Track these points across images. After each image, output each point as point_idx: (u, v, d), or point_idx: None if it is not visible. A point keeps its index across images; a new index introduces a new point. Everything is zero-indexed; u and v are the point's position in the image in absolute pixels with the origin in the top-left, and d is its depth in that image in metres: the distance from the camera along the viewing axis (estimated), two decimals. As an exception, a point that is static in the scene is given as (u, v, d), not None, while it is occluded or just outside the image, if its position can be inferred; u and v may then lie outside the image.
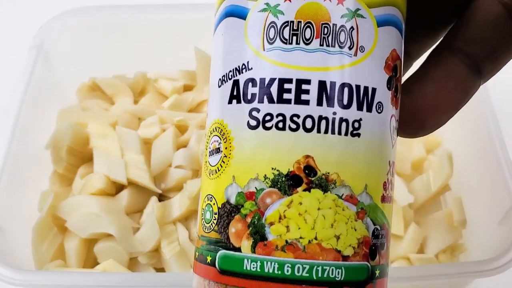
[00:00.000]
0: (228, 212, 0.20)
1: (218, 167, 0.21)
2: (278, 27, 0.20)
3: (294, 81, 0.20)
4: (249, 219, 0.20)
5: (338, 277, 0.20)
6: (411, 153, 0.52)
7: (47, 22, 0.54)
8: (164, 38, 0.57)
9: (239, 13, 0.21)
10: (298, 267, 0.19)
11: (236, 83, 0.21)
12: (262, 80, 0.20)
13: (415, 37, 0.24)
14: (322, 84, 0.20)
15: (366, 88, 0.20)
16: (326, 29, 0.20)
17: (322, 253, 0.20)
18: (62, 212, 0.45)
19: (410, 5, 0.22)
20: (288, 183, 0.20)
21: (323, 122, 0.20)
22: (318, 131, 0.20)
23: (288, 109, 0.20)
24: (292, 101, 0.20)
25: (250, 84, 0.20)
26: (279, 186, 0.20)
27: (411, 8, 0.23)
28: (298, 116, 0.20)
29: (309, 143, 0.20)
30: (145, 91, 0.57)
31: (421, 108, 0.22)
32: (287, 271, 0.19)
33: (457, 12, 0.23)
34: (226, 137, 0.21)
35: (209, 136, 0.22)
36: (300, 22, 0.20)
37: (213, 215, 0.21)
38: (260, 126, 0.20)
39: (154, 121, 0.51)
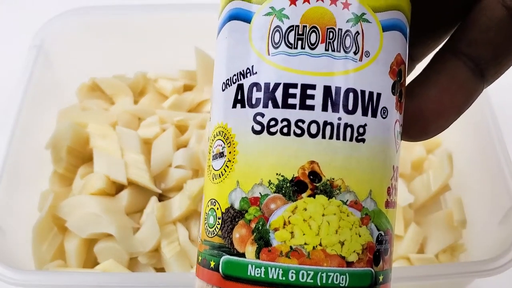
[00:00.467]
0: (232, 217, 0.20)
1: (222, 172, 0.21)
2: (283, 32, 0.20)
3: (299, 86, 0.20)
4: (253, 225, 0.20)
5: (342, 284, 0.20)
6: (411, 153, 0.52)
7: (47, 22, 0.54)
8: (164, 38, 0.57)
9: (243, 17, 0.21)
10: (303, 273, 0.19)
11: (240, 87, 0.21)
12: (267, 84, 0.20)
13: (418, 39, 0.24)
14: (327, 89, 0.20)
15: (371, 93, 0.20)
16: (331, 33, 0.20)
17: (327, 259, 0.19)
18: (62, 212, 0.45)
19: (414, 8, 0.22)
20: (292, 188, 0.20)
21: (328, 128, 0.20)
22: (323, 136, 0.20)
23: (293, 114, 0.20)
24: (297, 106, 0.20)
25: (254, 88, 0.20)
26: (283, 191, 0.20)
27: (415, 11, 0.22)
28: (303, 122, 0.20)
29: (314, 149, 0.20)
30: (145, 91, 0.57)
31: (424, 112, 0.22)
32: (292, 277, 0.19)
33: (460, 15, 0.23)
34: (230, 142, 0.21)
35: (213, 140, 0.22)
36: (306, 26, 0.20)
37: (217, 219, 0.21)
38: (265, 131, 0.20)
39: (154, 121, 0.51)
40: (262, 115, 0.20)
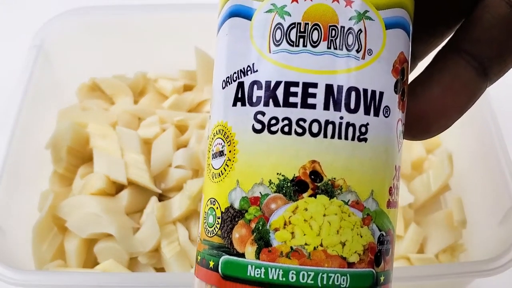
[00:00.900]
0: (231, 217, 0.20)
1: (221, 171, 0.21)
2: (285, 29, 0.20)
3: (300, 85, 0.19)
4: (253, 225, 0.20)
5: (343, 284, 0.19)
6: (411, 153, 0.52)
7: (47, 22, 0.54)
8: (164, 38, 0.57)
9: (244, 13, 0.21)
10: (303, 274, 0.19)
11: (240, 85, 0.20)
12: (268, 83, 0.20)
13: (420, 37, 0.24)
14: (329, 88, 0.19)
15: (373, 92, 0.20)
16: (333, 31, 0.20)
17: (328, 260, 0.19)
18: (62, 212, 0.45)
19: (417, 5, 0.22)
20: (293, 188, 0.19)
21: (330, 127, 0.19)
22: (325, 135, 0.19)
23: (294, 113, 0.20)
24: (298, 105, 0.19)
25: (255, 86, 0.20)
26: (284, 191, 0.19)
27: (417, 8, 0.22)
28: (304, 120, 0.19)
29: (315, 148, 0.19)
30: (145, 91, 0.57)
31: (427, 111, 0.22)
32: (292, 278, 0.19)
33: (464, 12, 0.22)
34: (230, 140, 0.21)
35: (212, 139, 0.22)
36: (307, 24, 0.20)
37: (216, 219, 0.21)
38: (265, 130, 0.20)
39: (154, 121, 0.51)
40: (263, 113, 0.20)
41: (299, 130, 0.19)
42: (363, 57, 0.20)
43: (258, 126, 0.20)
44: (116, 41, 0.57)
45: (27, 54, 0.52)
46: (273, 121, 0.20)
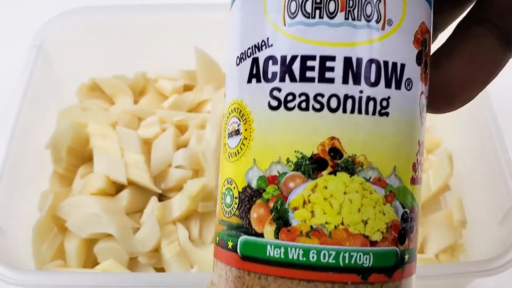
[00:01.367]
0: (249, 196, 0.20)
1: (238, 150, 0.20)
2: (300, 0, 0.19)
3: (317, 58, 0.19)
4: (271, 204, 0.19)
5: (366, 263, 0.19)
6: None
7: (47, 22, 0.54)
8: (164, 38, 0.57)
9: None
10: (324, 254, 0.18)
11: (255, 61, 0.20)
12: (283, 57, 0.19)
13: (441, 8, 0.23)
14: (347, 61, 0.19)
15: (394, 64, 0.19)
16: (351, 1, 0.19)
17: (349, 239, 0.19)
18: (62, 212, 0.45)
19: None
20: (312, 166, 0.19)
21: (349, 101, 0.19)
22: (344, 111, 0.19)
23: (312, 88, 0.19)
24: (316, 80, 0.19)
25: (270, 62, 0.19)
26: (302, 169, 0.19)
27: None
28: (322, 96, 0.19)
29: (334, 124, 0.19)
30: (145, 91, 0.57)
31: (450, 83, 0.21)
32: (313, 257, 0.18)
33: None
34: (245, 118, 0.20)
35: (228, 117, 0.21)
36: None
37: (234, 199, 0.20)
38: (282, 106, 0.19)
39: (154, 121, 0.51)
40: (279, 89, 0.19)
41: (317, 106, 0.19)
42: (383, 28, 0.19)
43: (274, 103, 0.19)
44: (116, 41, 0.57)
45: (27, 54, 0.52)
46: (290, 97, 0.19)
